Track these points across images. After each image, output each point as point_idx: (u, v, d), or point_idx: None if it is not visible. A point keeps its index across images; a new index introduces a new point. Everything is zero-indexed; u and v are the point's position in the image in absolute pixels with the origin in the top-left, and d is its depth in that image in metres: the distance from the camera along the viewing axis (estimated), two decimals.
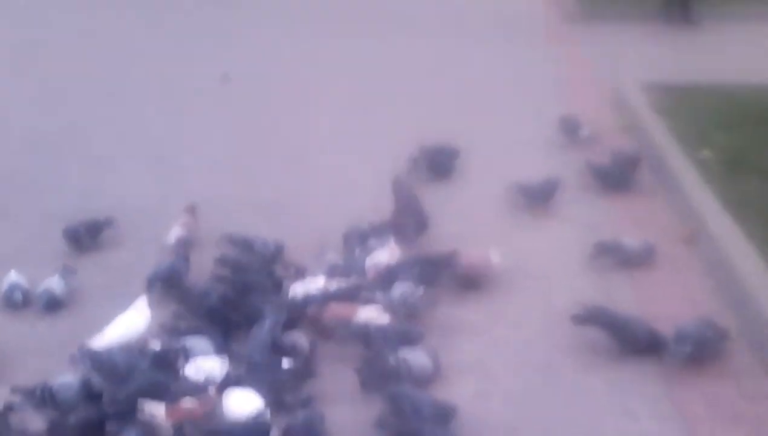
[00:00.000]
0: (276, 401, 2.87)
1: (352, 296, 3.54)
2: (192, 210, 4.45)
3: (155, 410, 2.73)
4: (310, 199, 4.88)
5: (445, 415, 2.79)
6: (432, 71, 8.07)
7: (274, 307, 3.39)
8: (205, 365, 3.05)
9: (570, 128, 5.65)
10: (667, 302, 3.63)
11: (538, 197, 4.52)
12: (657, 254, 3.95)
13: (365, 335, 3.24)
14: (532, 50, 8.90)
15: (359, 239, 4.06)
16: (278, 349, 3.16)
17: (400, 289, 3.53)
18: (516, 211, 4.58)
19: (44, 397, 2.83)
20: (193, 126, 6.57)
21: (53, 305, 3.66)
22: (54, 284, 3.72)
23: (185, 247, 4.11)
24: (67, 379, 2.95)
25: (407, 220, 4.13)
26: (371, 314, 3.36)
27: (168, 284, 3.74)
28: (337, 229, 4.16)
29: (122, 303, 3.42)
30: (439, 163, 5.13)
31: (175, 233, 4.21)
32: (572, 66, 8.21)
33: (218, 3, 11.76)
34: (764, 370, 3.09)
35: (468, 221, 4.48)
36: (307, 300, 3.50)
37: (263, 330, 3.20)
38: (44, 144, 6.11)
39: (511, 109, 6.51)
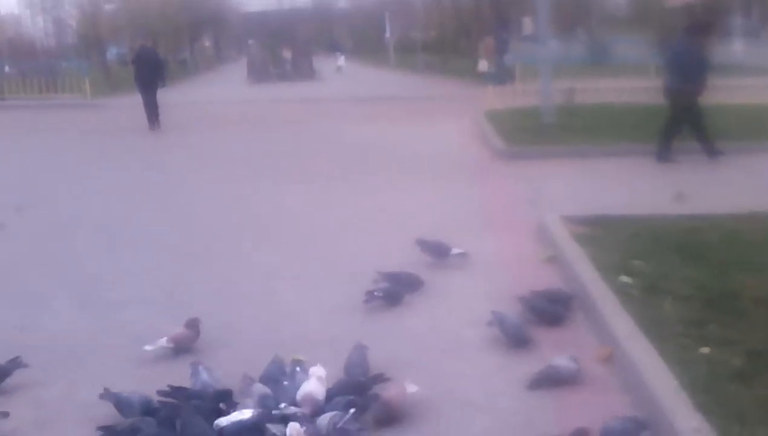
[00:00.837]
0: None
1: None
2: (193, 325, 4.58)
3: None
4: (240, 331, 4.91)
5: None
6: (368, 206, 8.43)
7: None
8: None
9: (435, 250, 6.06)
10: (588, 416, 3.67)
11: (515, 340, 4.59)
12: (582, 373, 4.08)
13: None
14: (462, 186, 9.39)
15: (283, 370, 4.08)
16: None
17: (329, 414, 3.55)
18: (450, 338, 4.70)
19: None
20: (128, 260, 6.66)
21: None
22: None
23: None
24: None
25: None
26: None
27: None
28: (266, 362, 4.17)
29: None
30: (398, 292, 5.29)
31: (161, 341, 4.42)
32: (498, 200, 8.65)
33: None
34: None
35: (410, 348, 4.58)
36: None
37: None
38: None
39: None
